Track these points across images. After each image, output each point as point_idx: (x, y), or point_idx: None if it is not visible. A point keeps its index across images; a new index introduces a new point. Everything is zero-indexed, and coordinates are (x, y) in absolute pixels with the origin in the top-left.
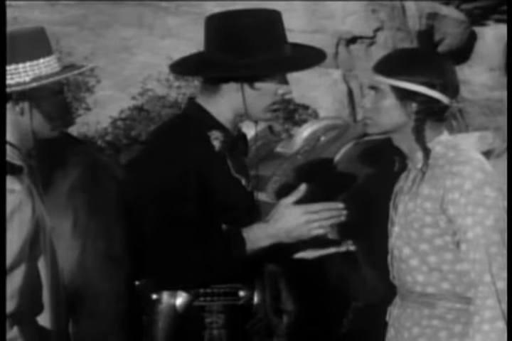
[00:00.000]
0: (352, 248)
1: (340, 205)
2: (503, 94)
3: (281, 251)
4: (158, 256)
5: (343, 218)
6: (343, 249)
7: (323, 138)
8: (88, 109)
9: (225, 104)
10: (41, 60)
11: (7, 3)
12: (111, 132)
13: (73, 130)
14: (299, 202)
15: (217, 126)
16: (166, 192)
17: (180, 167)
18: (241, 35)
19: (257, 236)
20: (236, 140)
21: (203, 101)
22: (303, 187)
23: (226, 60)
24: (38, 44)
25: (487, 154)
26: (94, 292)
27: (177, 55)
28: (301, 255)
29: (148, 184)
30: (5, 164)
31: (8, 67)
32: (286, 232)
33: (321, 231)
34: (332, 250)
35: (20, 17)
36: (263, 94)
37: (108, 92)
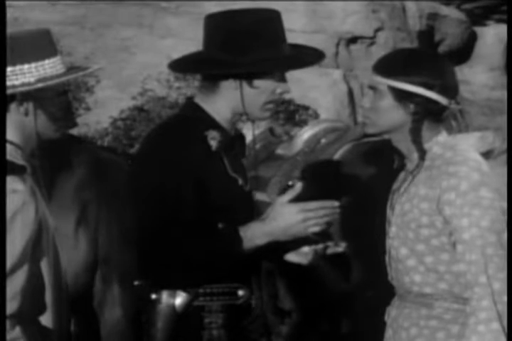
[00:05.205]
0: (340, 249)
1: (336, 203)
2: (504, 94)
3: (278, 250)
4: (157, 256)
5: (337, 216)
6: (331, 250)
7: (323, 140)
8: (88, 109)
9: (223, 102)
10: (46, 61)
11: (7, 3)
12: (111, 132)
13: (73, 130)
14: (297, 201)
15: (215, 125)
16: (163, 192)
17: (177, 167)
18: (240, 33)
19: (254, 234)
20: (233, 140)
21: (201, 100)
22: (298, 186)
23: (225, 58)
24: (43, 45)
25: (487, 154)
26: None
27: (177, 55)
28: (294, 259)
29: (145, 184)
30: (5, 165)
31: (13, 68)
32: (283, 230)
33: (316, 229)
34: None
35: (20, 17)
36: (261, 92)
37: (108, 92)
